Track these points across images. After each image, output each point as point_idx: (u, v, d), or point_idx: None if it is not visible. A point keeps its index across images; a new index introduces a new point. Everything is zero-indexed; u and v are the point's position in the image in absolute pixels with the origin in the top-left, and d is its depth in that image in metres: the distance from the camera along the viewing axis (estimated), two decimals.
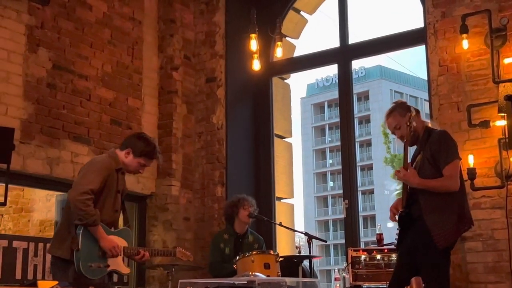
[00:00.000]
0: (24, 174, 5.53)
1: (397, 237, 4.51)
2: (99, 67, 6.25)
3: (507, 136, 5.16)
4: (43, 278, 5.39)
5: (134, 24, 6.71)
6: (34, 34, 5.68)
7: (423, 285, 4.03)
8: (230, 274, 5.24)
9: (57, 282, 3.88)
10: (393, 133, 4.56)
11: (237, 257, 5.26)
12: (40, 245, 5.52)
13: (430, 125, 4.55)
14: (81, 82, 6.05)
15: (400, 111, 4.48)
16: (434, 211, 4.19)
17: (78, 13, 6.11)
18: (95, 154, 6.04)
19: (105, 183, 4.36)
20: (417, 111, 4.49)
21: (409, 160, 4.45)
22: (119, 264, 4.39)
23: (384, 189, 42.71)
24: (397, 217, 4.44)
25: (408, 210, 4.34)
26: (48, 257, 5.49)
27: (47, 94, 5.73)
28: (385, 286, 5.25)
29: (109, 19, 6.42)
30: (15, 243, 5.40)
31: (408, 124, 4.31)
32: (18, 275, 5.30)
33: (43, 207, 8.03)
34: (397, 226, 4.50)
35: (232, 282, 4.35)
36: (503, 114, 5.15)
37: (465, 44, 5.56)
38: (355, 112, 7.13)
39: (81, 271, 4.17)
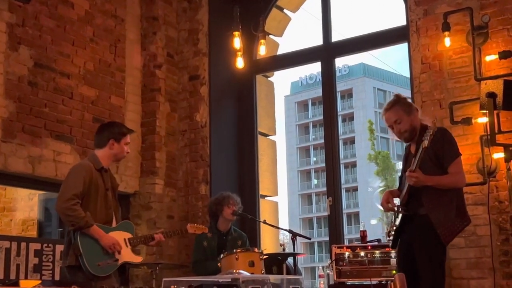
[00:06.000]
0: (6, 173, 5.48)
1: (391, 234, 4.48)
2: (81, 65, 6.21)
3: (489, 133, 5.19)
4: (25, 278, 5.36)
5: (117, 22, 6.67)
6: (15, 32, 5.62)
7: (421, 280, 4.10)
8: (214, 271, 5.23)
9: (39, 281, 3.88)
10: (390, 126, 4.49)
11: (221, 255, 5.26)
12: (23, 244, 5.47)
13: (425, 122, 4.52)
14: (63, 80, 6.01)
15: (402, 106, 4.43)
16: (437, 208, 4.22)
17: (60, 11, 6.06)
18: (77, 153, 6.02)
19: (90, 184, 4.38)
20: (416, 109, 4.50)
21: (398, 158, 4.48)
22: (128, 256, 4.49)
23: (368, 186, 42.94)
24: (396, 207, 4.43)
25: (406, 209, 4.35)
26: (31, 256, 5.47)
27: (28, 92, 5.68)
28: (369, 283, 5.29)
29: (91, 17, 6.37)
30: None
31: (432, 133, 4.12)
32: (1, 275, 5.25)
33: (25, 206, 7.97)
34: (392, 221, 4.49)
35: (216, 280, 4.34)
36: (484, 111, 5.18)
37: (447, 41, 5.60)
38: (338, 110, 7.13)
39: (90, 272, 4.24)
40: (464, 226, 4.34)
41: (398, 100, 4.48)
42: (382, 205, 4.55)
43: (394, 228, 4.44)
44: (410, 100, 4.68)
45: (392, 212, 4.53)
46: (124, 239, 4.49)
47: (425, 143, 4.10)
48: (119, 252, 4.40)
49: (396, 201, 4.49)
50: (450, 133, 4.46)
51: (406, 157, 4.56)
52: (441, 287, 4.26)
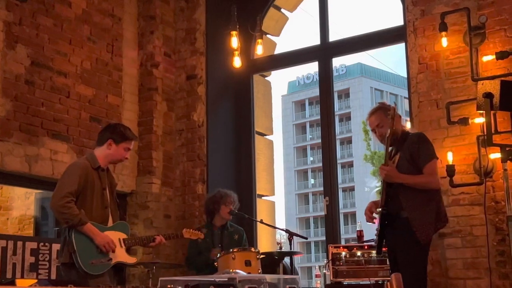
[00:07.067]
0: (2, 172, 5.48)
1: (377, 236, 4.55)
2: (78, 64, 6.20)
3: (485, 133, 5.20)
4: (22, 277, 5.35)
5: (114, 21, 6.66)
6: (12, 31, 5.61)
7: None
8: (205, 265, 5.24)
9: (36, 280, 3.87)
10: (373, 130, 4.71)
11: (218, 255, 5.26)
12: (19, 243, 5.46)
13: (407, 129, 4.71)
14: (60, 79, 6.00)
15: (384, 112, 4.62)
16: (415, 208, 4.35)
17: (57, 10, 6.05)
18: (74, 152, 6.01)
19: (85, 183, 4.37)
20: (399, 116, 4.64)
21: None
22: (122, 256, 4.48)
23: (365, 186, 42.92)
24: (375, 215, 4.54)
25: (386, 208, 4.42)
26: (28, 255, 5.46)
27: (25, 91, 5.67)
28: (366, 283, 5.29)
29: (88, 16, 6.37)
30: None
31: (391, 116, 4.40)
32: None
33: (22, 205, 7.95)
34: (376, 226, 4.55)
35: (213, 279, 4.34)
36: (481, 112, 5.19)
37: (444, 42, 5.60)
38: (335, 110, 7.15)
39: (83, 270, 4.23)
40: (441, 227, 4.51)
41: (382, 106, 4.72)
42: (365, 214, 4.71)
43: (377, 233, 4.53)
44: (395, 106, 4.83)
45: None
46: (119, 239, 4.48)
47: (388, 131, 4.41)
48: (113, 251, 4.40)
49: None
50: (426, 136, 4.62)
51: None
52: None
